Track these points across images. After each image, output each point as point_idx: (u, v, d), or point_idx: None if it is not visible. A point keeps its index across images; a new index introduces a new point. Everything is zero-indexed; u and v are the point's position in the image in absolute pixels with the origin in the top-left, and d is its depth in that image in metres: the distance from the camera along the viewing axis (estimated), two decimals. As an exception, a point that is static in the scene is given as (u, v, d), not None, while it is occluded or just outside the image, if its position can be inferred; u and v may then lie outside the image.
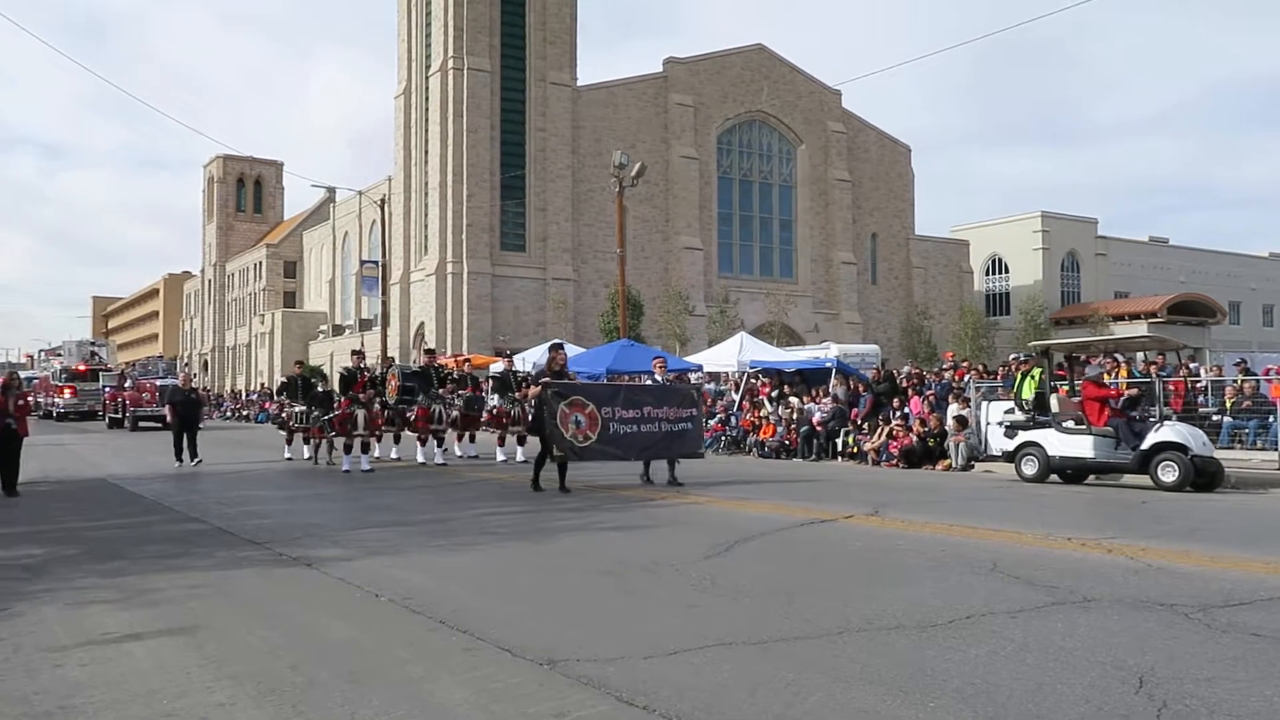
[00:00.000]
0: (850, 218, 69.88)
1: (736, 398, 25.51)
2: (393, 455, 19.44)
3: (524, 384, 19.48)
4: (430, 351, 21.26)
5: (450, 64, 58.46)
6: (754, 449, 22.24)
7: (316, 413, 18.90)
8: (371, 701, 4.19)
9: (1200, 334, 64.77)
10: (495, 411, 19.75)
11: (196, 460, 18.27)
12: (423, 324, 60.50)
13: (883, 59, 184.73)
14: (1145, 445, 13.34)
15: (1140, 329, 63.23)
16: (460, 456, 19.54)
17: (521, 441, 18.90)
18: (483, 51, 58.90)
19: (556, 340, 15.98)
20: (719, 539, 8.48)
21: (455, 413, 18.94)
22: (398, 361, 23.15)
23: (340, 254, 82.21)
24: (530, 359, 28.63)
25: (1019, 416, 15.59)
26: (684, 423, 13.93)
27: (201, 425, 20.31)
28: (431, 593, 6.38)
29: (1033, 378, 16.37)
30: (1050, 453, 14.33)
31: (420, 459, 18.13)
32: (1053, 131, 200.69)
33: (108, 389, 41.27)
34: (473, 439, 20.01)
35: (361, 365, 18.53)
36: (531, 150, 59.95)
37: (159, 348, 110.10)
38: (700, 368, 30.18)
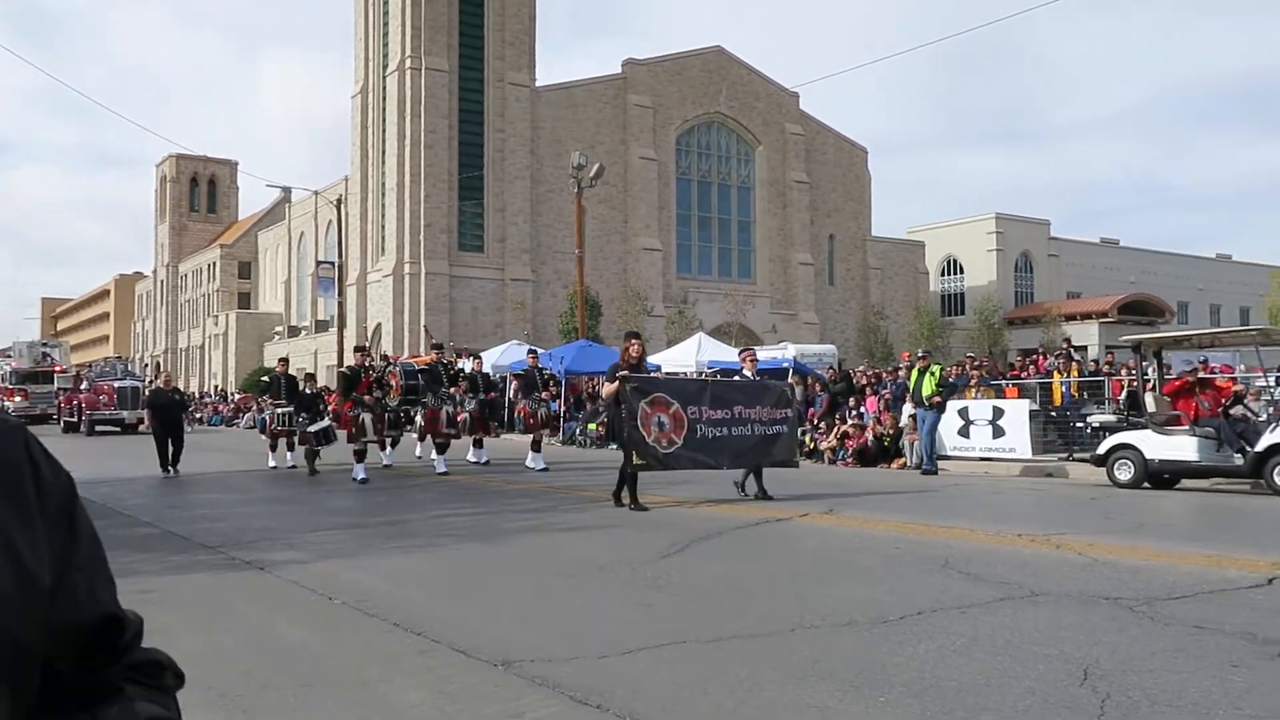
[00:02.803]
0: (808, 219, 70.29)
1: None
2: (385, 462, 17.54)
3: (550, 383, 18.56)
4: (438, 346, 18.81)
5: (408, 64, 58.09)
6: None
7: (303, 417, 17.46)
8: (325, 705, 4.17)
9: (1150, 334, 65.85)
10: (520, 414, 18.04)
11: (175, 472, 16.73)
12: (379, 325, 60.07)
13: (841, 62, 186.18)
14: (1260, 447, 12.19)
15: (1092, 329, 64.20)
16: (473, 463, 17.81)
17: (535, 447, 17.42)
18: (440, 51, 58.60)
19: (632, 329, 13.58)
20: (675, 539, 8.52)
21: (465, 415, 17.25)
22: (401, 359, 20.62)
23: (296, 255, 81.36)
24: (491, 360, 28.47)
25: (1109, 417, 14.72)
26: (778, 425, 12.25)
27: (189, 429, 19.04)
28: (386, 595, 6.36)
29: (932, 374, 16.44)
30: (1148, 455, 13.06)
31: (441, 468, 16.21)
32: (1008, 134, 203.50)
33: (62, 391, 40.40)
34: (479, 444, 18.32)
35: (366, 364, 16.57)
36: (490, 151, 59.71)
37: (110, 349, 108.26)
38: (659, 368, 30.25)
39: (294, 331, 76.91)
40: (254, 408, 50.97)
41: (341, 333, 46.59)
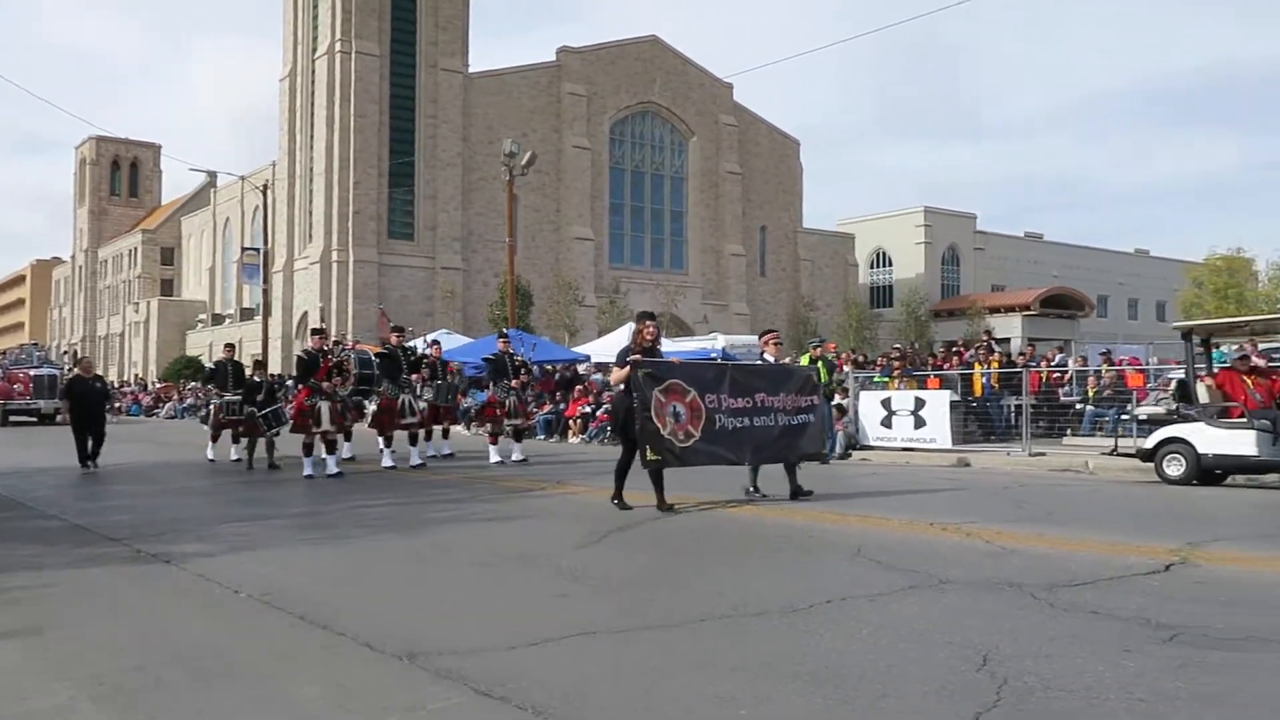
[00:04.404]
0: (740, 210, 70.72)
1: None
2: (346, 455, 16.05)
3: (521, 370, 17.15)
4: (399, 330, 17.14)
5: (338, 47, 57.16)
6: (640, 439, 22.32)
7: (251, 407, 16.22)
8: (220, 701, 4.07)
9: (1070, 326, 67.45)
10: (488, 402, 16.99)
11: (94, 465, 15.89)
12: (306, 313, 59.15)
13: (775, 52, 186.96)
14: None
15: (1015, 321, 65.55)
16: (434, 455, 17.01)
17: (518, 437, 16.71)
18: (371, 35, 57.77)
19: (646, 310, 11.91)
20: (595, 528, 8.51)
21: (423, 404, 16.36)
22: (351, 344, 19.41)
23: (221, 241, 79.79)
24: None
25: (1157, 409, 13.99)
26: (804, 414, 11.01)
27: (111, 420, 17.59)
28: (294, 588, 6.24)
29: (825, 363, 16.68)
30: (1201, 450, 12.25)
31: (387, 462, 15.23)
32: (938, 129, 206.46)
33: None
34: (445, 434, 17.60)
35: (324, 348, 14.99)
36: (421, 137, 59.06)
37: (25, 337, 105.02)
38: (589, 358, 30.22)
39: (218, 319, 75.44)
40: (174, 397, 49.95)
41: (267, 321, 45.82)
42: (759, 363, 11.93)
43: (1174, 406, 13.29)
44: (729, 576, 6.62)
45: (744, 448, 10.41)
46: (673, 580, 6.51)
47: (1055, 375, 20.22)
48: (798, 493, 10.53)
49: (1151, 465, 12.87)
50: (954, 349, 23.46)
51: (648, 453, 9.55)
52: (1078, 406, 18.72)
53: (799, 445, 10.95)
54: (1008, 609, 5.39)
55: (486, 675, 4.29)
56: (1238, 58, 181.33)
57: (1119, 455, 14.06)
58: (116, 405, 47.09)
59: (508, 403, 16.59)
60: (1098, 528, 8.50)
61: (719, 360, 18.97)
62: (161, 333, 79.98)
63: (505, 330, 21.50)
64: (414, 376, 16.16)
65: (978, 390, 19.69)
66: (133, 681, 4.34)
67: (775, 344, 11.87)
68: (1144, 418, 14.20)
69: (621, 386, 10.06)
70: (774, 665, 4.42)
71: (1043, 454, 15.97)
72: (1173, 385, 13.91)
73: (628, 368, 9.79)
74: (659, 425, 9.62)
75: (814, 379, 11.63)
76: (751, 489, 10.90)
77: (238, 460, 17.02)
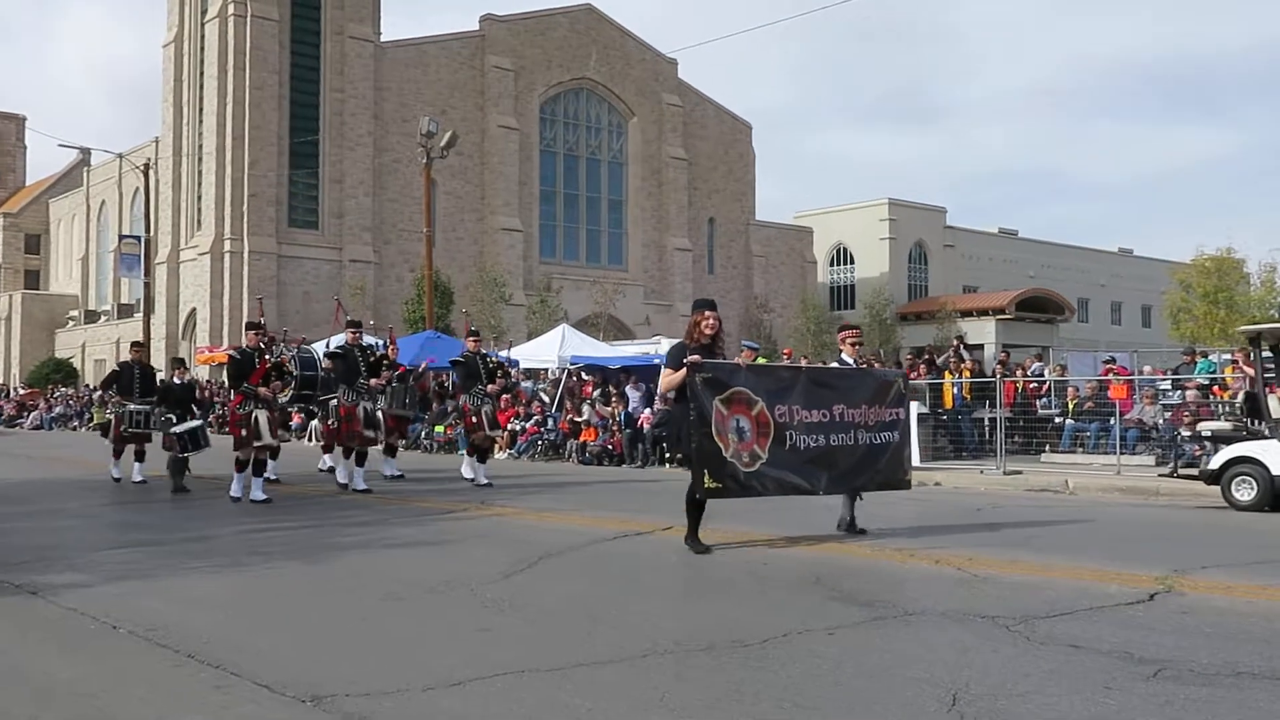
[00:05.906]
0: (686, 200, 70.96)
1: (555, 397, 25.61)
2: (270, 474, 15.17)
3: (497, 374, 16.66)
4: (355, 325, 15.91)
5: (230, 9, 56.36)
6: (574, 454, 22.38)
7: (169, 415, 15.28)
8: (96, 751, 4.02)
9: (1048, 332, 68.65)
10: (463, 411, 16.49)
11: None
12: (194, 310, 58.24)
13: (723, 27, 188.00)
14: None
15: (988, 326, 66.60)
16: (387, 476, 16.37)
17: (483, 456, 16.17)
18: (269, -3, 57.11)
19: (704, 297, 10.40)
20: (523, 555, 8.51)
21: (380, 414, 15.43)
22: (289, 343, 17.87)
23: (95, 227, 78.14)
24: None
25: (1223, 425, 13.71)
26: (887, 431, 9.97)
27: None
28: (182, 622, 6.17)
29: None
30: (1275, 471, 11.96)
31: (342, 479, 14.69)
32: (903, 114, 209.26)
33: None
34: (391, 452, 16.83)
35: (260, 345, 13.78)
36: (327, 113, 58.44)
37: None
38: (517, 363, 30.16)
39: (92, 316, 73.89)
40: (41, 405, 48.88)
41: (148, 319, 45.06)
42: (834, 365, 10.93)
43: (1242, 421, 13.09)
44: (674, 608, 6.67)
45: (819, 473, 9.42)
46: (611, 613, 6.54)
47: (1032, 386, 20.59)
48: (851, 528, 9.80)
49: (1183, 485, 13.05)
50: (923, 356, 23.80)
51: (705, 479, 8.61)
52: (1056, 420, 19.09)
53: (879, 470, 9.98)
54: (979, 642, 5.49)
55: (401, 720, 4.29)
56: (1232, 44, 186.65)
57: (1179, 478, 13.65)
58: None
59: (483, 412, 15.95)
60: (1078, 553, 8.68)
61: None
62: (26, 332, 78.07)
63: (475, 328, 20.62)
64: (373, 381, 15.14)
65: (948, 402, 19.99)
66: (-5, 730, 4.26)
67: (854, 343, 10.61)
68: (1208, 434, 13.74)
69: (673, 395, 9.03)
70: (723, 705, 4.46)
71: (1019, 472, 16.28)
72: (1240, 397, 13.76)
73: (682, 371, 8.67)
74: (720, 445, 8.65)
75: (900, 387, 10.46)
76: (848, 520, 9.96)
77: (141, 482, 16.09)
